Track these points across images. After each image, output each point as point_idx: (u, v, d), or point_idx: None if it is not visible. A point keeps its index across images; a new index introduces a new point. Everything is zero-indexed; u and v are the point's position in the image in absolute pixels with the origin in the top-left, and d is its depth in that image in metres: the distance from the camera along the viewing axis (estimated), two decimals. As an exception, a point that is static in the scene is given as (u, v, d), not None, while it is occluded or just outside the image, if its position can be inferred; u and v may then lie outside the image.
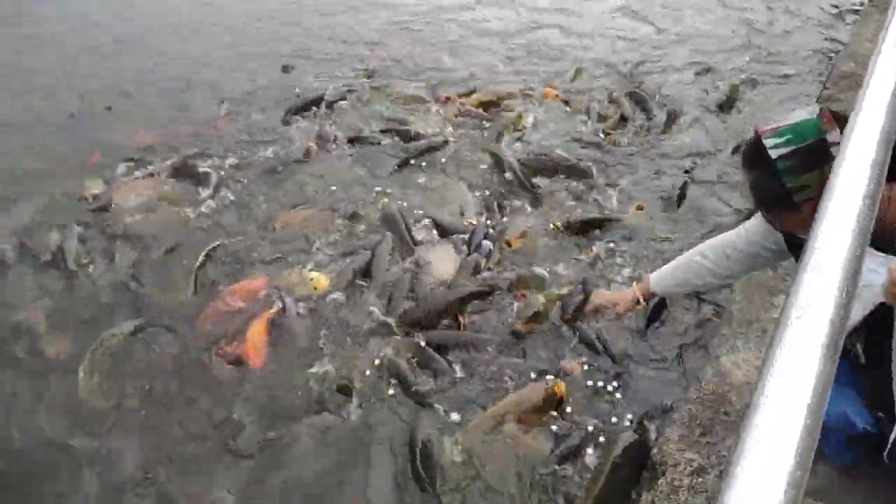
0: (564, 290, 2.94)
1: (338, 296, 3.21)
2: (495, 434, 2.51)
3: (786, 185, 1.35)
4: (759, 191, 1.47)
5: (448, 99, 4.86)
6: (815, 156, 1.31)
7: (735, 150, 4.14)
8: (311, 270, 3.36)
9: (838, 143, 1.20)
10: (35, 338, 3.17)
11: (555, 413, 2.56)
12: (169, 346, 3.09)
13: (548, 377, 2.68)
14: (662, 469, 1.82)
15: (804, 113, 1.36)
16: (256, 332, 3.03)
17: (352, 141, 4.44)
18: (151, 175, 4.20)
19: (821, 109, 1.35)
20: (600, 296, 2.56)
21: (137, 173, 4.22)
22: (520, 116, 4.55)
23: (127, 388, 2.91)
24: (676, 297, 2.90)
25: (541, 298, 2.96)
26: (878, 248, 1.31)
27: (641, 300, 2.32)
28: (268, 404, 2.80)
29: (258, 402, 2.81)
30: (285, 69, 5.53)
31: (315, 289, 3.24)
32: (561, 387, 2.56)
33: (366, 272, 3.33)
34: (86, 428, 2.76)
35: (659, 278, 2.22)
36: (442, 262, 3.37)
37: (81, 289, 3.44)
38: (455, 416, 2.63)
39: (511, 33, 6.07)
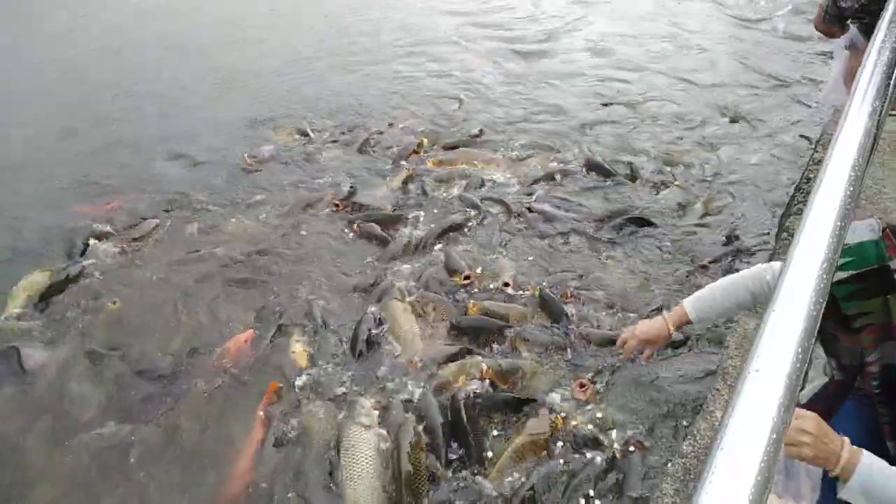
0: None
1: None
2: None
3: (843, 310, 1.27)
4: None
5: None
6: (877, 281, 1.22)
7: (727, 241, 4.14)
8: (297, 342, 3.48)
9: None
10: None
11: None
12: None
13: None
14: (656, 523, 1.84)
15: (866, 231, 1.26)
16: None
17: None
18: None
19: (884, 230, 1.26)
20: (631, 334, 2.26)
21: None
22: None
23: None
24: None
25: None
26: None
27: (673, 331, 2.14)
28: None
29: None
30: None
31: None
32: (559, 419, 2.83)
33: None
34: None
35: (700, 306, 2.05)
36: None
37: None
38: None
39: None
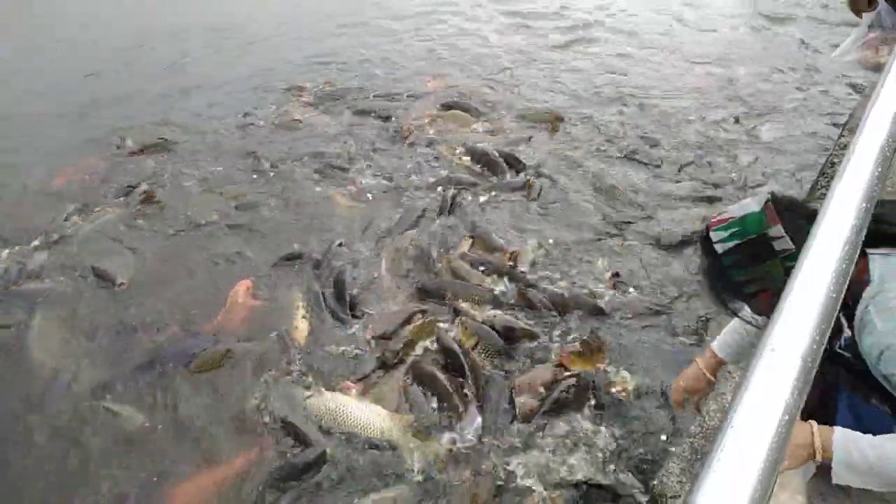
0: None
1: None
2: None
3: (734, 279, 1.37)
4: (713, 285, 1.48)
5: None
6: (757, 249, 1.32)
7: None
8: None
9: (781, 237, 1.28)
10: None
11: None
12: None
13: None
14: (663, 501, 1.85)
15: (753, 204, 1.36)
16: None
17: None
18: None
19: (766, 202, 1.35)
20: (676, 389, 2.09)
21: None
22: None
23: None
24: None
25: None
26: None
27: (711, 377, 1.96)
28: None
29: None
30: None
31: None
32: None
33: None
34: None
35: (730, 346, 1.92)
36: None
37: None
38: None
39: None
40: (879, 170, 1.05)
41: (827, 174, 3.71)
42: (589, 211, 4.21)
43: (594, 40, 7.27)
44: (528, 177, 4.56)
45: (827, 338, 0.77)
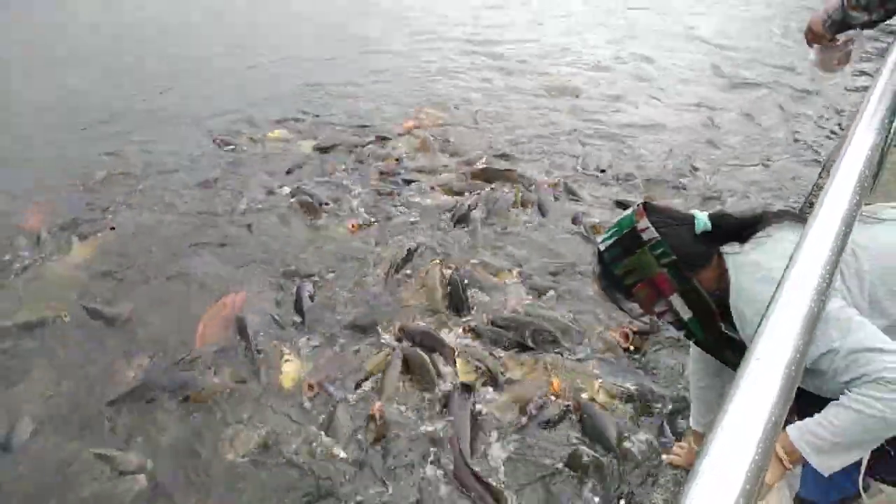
0: None
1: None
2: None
3: (615, 273, 1.51)
4: (603, 283, 1.60)
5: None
6: (628, 241, 1.48)
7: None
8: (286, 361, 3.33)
9: (647, 228, 1.45)
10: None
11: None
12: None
13: None
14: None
15: (629, 210, 1.54)
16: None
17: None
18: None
19: (638, 204, 1.53)
20: (675, 463, 2.24)
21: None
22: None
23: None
24: None
25: None
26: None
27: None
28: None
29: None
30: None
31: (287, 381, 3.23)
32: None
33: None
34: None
35: (701, 416, 2.01)
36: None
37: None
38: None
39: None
40: (857, 199, 1.12)
41: (805, 212, 3.83)
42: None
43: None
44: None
45: (808, 349, 0.81)
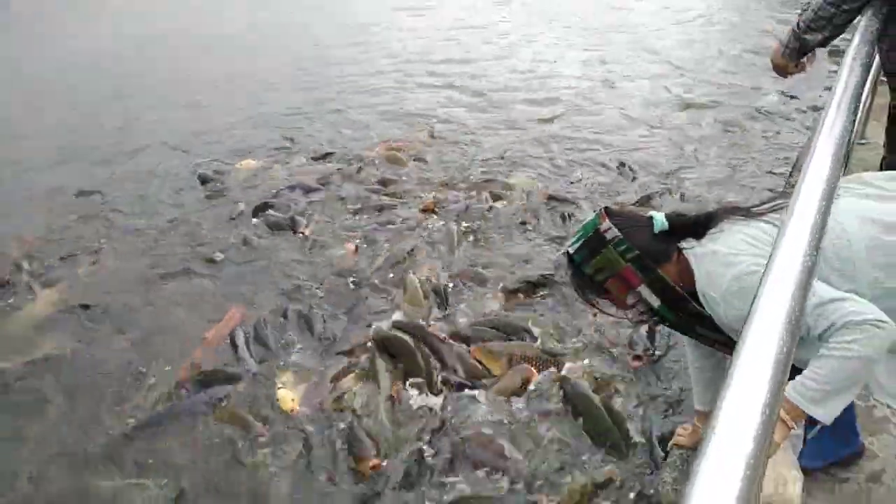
0: None
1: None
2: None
3: (585, 272, 1.68)
4: (575, 283, 1.77)
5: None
6: (594, 243, 1.64)
7: None
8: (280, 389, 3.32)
9: (609, 228, 1.62)
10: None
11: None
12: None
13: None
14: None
15: (592, 216, 1.72)
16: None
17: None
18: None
19: (601, 209, 1.70)
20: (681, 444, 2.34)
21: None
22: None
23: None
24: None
25: None
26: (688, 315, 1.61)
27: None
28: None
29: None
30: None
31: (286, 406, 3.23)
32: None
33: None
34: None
35: (703, 400, 2.10)
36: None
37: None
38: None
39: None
40: (825, 203, 1.27)
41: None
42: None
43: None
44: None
45: (800, 324, 0.95)
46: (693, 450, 2.20)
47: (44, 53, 10.91)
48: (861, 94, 1.79)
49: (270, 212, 5.08)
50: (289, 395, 3.26)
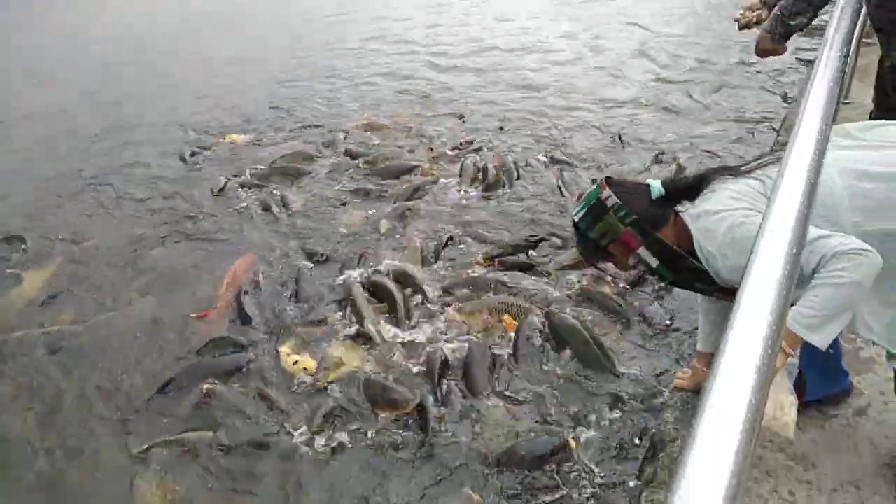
0: None
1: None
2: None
3: (590, 237, 1.81)
4: (581, 248, 1.92)
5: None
6: (597, 210, 1.78)
7: None
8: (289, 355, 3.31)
9: (609, 196, 1.75)
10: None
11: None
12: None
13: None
14: (661, 445, 2.17)
15: (594, 186, 1.84)
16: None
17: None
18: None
19: (602, 179, 1.83)
20: (681, 387, 2.44)
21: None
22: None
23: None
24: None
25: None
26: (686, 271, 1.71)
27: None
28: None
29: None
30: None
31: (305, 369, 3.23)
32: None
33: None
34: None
35: (708, 337, 2.19)
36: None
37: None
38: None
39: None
40: (816, 161, 1.34)
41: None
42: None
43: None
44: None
45: (799, 259, 1.00)
46: (694, 392, 2.33)
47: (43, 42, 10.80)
48: (849, 51, 1.84)
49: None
50: (301, 362, 3.25)
